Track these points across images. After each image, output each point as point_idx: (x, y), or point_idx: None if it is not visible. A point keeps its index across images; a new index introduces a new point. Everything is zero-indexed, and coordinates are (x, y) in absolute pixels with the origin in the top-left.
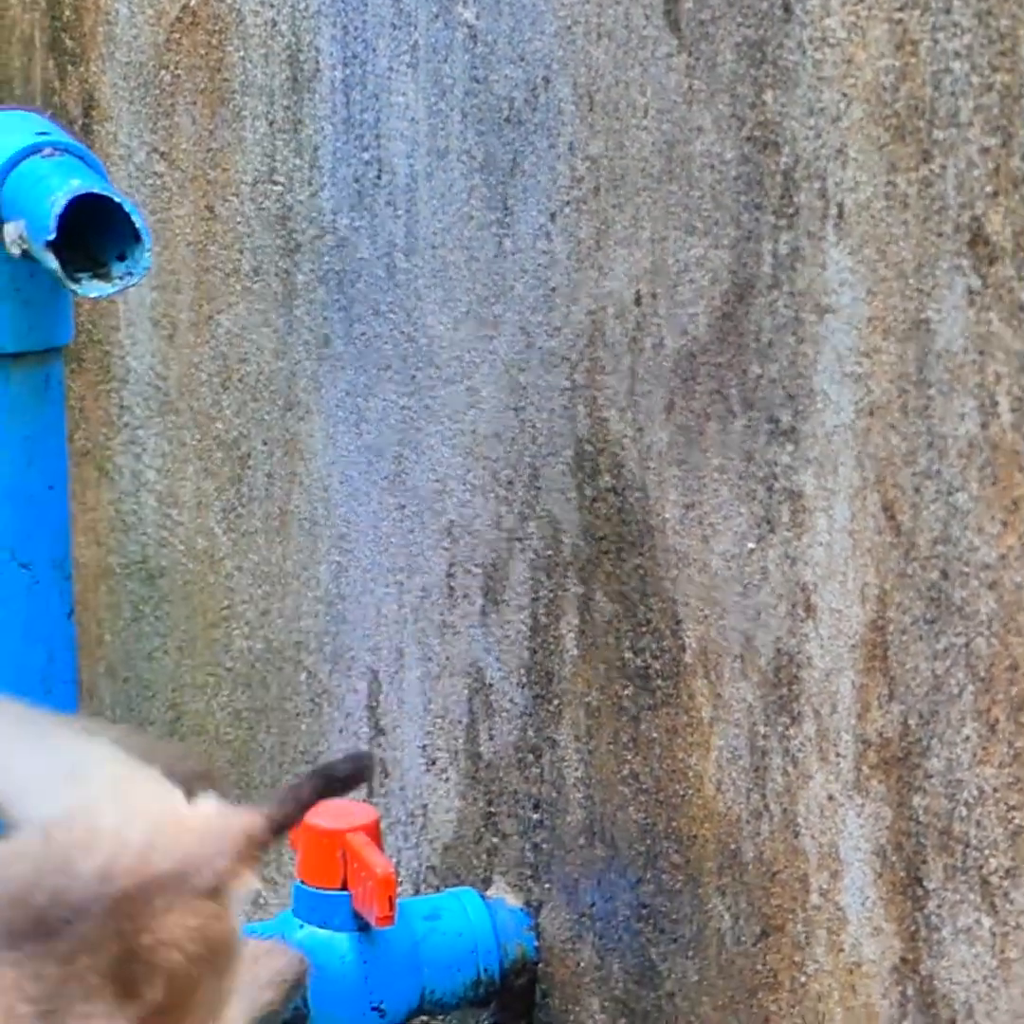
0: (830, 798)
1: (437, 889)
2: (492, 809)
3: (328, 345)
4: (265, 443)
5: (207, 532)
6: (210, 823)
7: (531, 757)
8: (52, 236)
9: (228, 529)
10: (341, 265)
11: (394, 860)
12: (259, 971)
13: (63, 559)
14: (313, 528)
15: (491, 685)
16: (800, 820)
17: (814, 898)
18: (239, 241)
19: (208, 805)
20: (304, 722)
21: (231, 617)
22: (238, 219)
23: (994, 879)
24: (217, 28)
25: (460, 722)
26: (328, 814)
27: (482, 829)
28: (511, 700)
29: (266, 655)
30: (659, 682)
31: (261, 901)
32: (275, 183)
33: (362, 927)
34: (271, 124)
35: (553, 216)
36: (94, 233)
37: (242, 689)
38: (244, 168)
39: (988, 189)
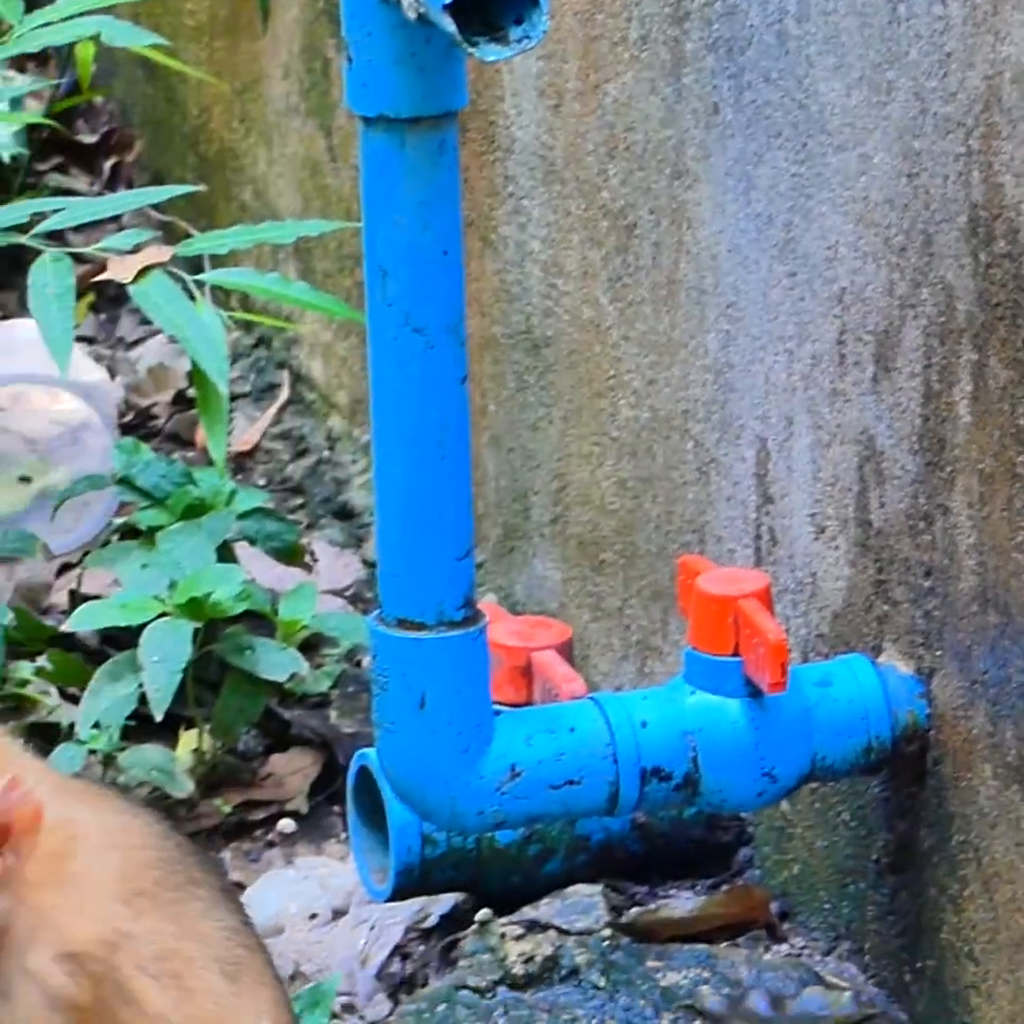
0: None
1: (826, 657)
2: (882, 577)
3: (717, 113)
4: (652, 212)
5: (593, 301)
6: None
7: (922, 524)
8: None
9: (614, 298)
10: (730, 32)
11: (783, 628)
12: None
13: (457, 324)
14: (701, 297)
15: (882, 452)
16: None
17: None
18: (627, 9)
19: None
20: (691, 491)
21: (617, 386)
22: None
23: None
24: None
25: (850, 490)
26: (719, 580)
27: (872, 597)
28: (902, 467)
29: (653, 424)
30: None
31: (647, 670)
32: None
33: (753, 693)
34: None
35: None
36: None
37: (628, 458)
38: None
39: None
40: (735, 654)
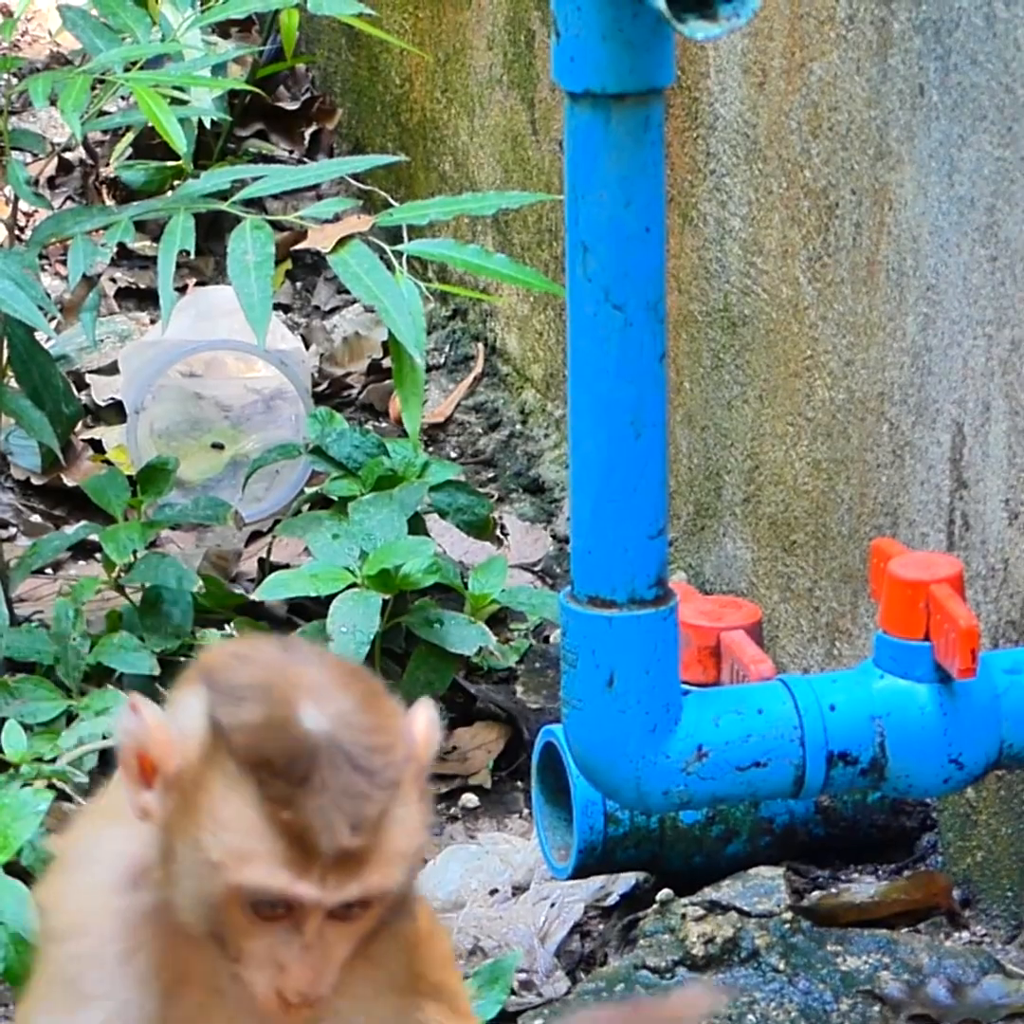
0: None
1: (1016, 643)
2: None
3: (922, 94)
4: (854, 192)
5: (791, 281)
6: None
7: None
8: None
9: (813, 278)
10: (938, 14)
11: (974, 614)
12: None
13: (657, 301)
14: (900, 279)
15: None
16: None
17: None
18: None
19: None
20: (885, 474)
21: (814, 367)
22: None
23: None
24: None
25: None
26: (912, 564)
27: None
28: None
29: (848, 406)
30: None
31: (836, 652)
32: None
33: (943, 679)
34: None
35: None
36: None
37: (822, 439)
38: None
39: None
40: (926, 639)
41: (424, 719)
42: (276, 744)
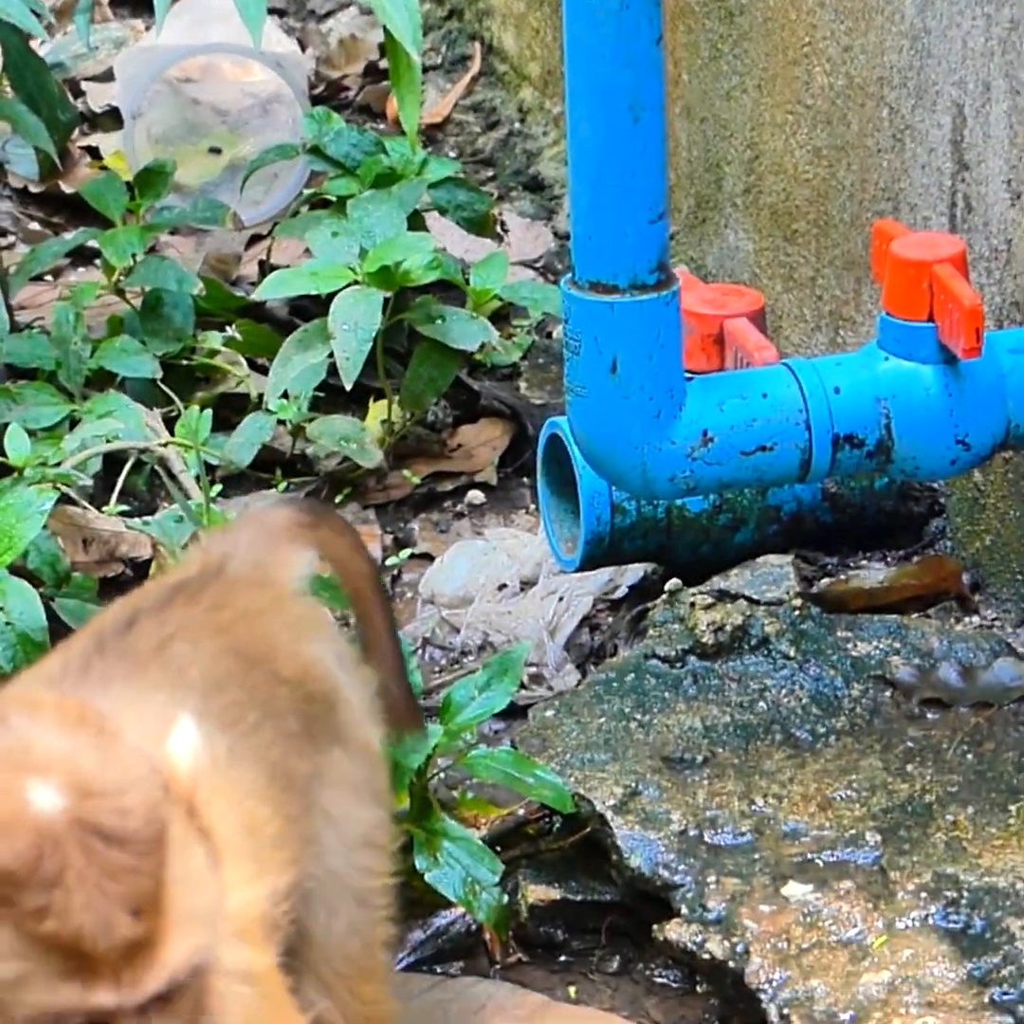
0: None
1: (1020, 324)
2: None
3: None
4: None
5: None
6: None
7: None
8: None
9: None
10: None
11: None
12: None
13: None
14: None
15: None
16: None
17: None
18: None
19: None
20: (885, 159)
21: (812, 54)
22: None
23: None
24: None
25: None
26: (914, 244)
27: None
28: None
29: (847, 91)
30: None
31: (840, 340)
32: None
33: (948, 359)
34: None
35: None
36: None
37: (822, 126)
38: None
39: None
40: (930, 320)
41: (183, 743)
42: (11, 850)
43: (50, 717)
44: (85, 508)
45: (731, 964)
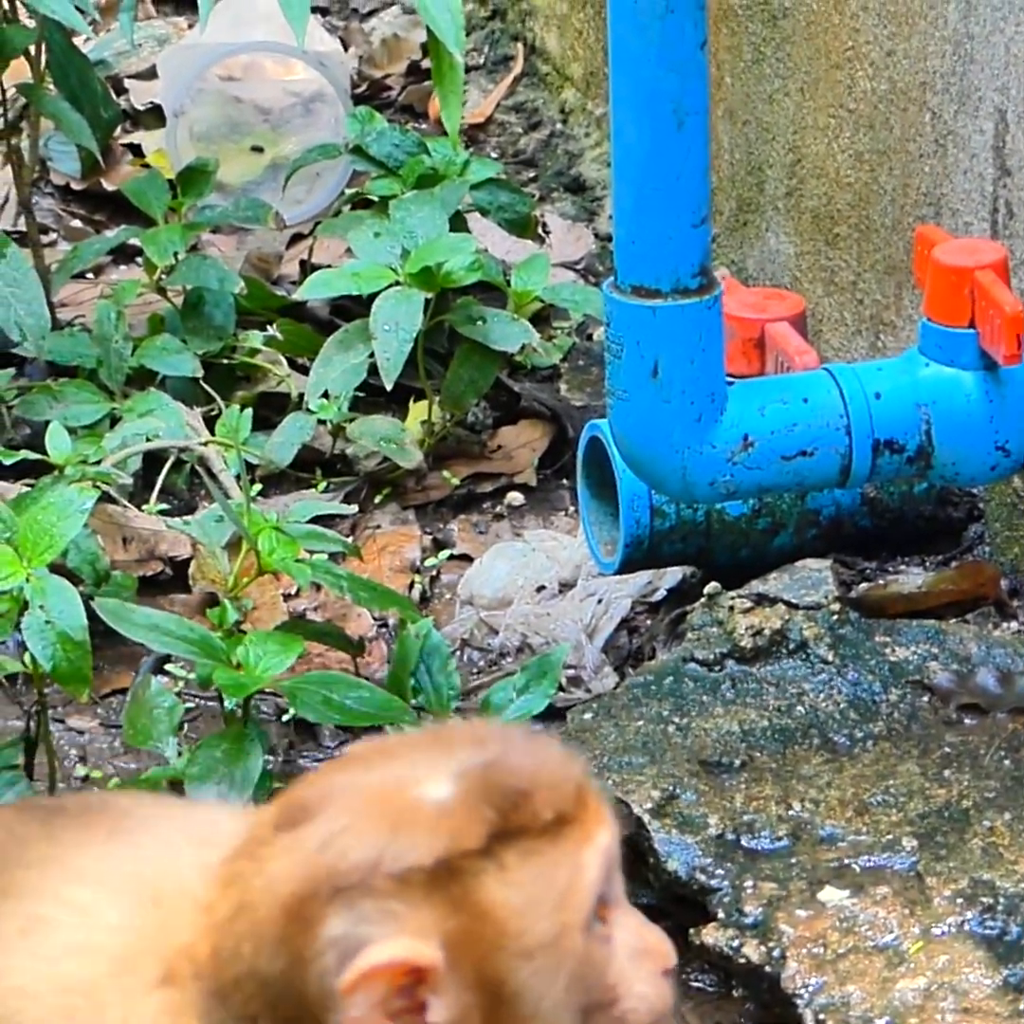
0: None
1: None
2: None
3: None
4: None
5: None
6: None
7: None
8: None
9: None
10: None
11: (1020, 301)
12: None
13: None
14: None
15: None
16: None
17: None
18: None
19: None
20: (927, 164)
21: (855, 58)
22: None
23: None
24: None
25: None
26: (956, 250)
27: None
28: None
29: (890, 96)
30: None
31: (880, 345)
32: None
33: (988, 366)
34: None
35: None
36: None
37: (864, 131)
38: None
39: None
40: (971, 326)
41: None
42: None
43: None
44: (125, 507)
45: (767, 969)
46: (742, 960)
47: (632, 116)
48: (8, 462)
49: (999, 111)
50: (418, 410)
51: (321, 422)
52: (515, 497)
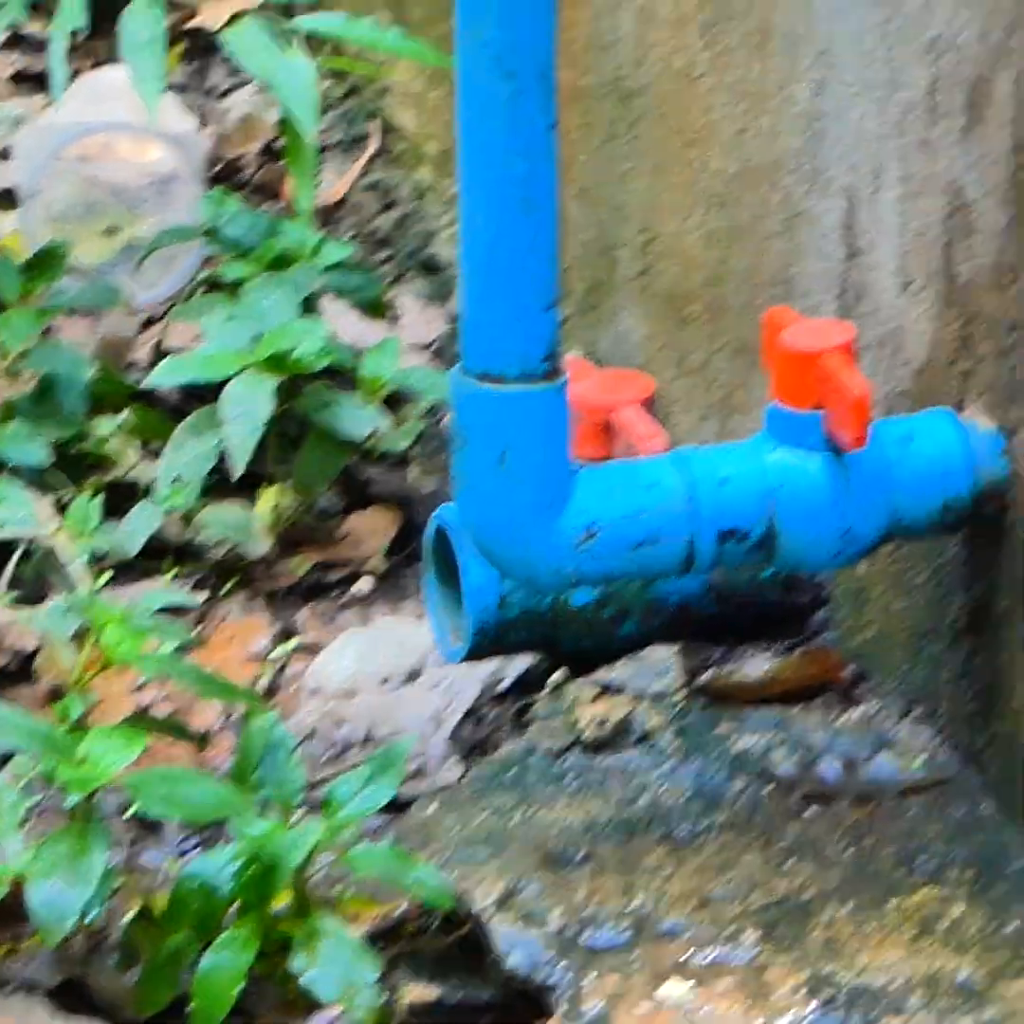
0: None
1: (909, 413)
2: (967, 332)
3: None
4: None
5: (685, 49)
6: None
7: (1009, 278)
8: None
9: (706, 46)
10: None
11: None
12: None
13: (548, 70)
14: (794, 44)
15: (970, 204)
16: None
17: None
18: None
19: None
20: (777, 243)
21: (707, 137)
22: None
23: None
24: None
25: (937, 242)
26: (803, 332)
27: (956, 352)
28: (990, 219)
29: (741, 175)
30: None
31: (731, 426)
32: None
33: (835, 450)
34: None
35: None
36: None
37: (716, 210)
38: None
39: None
40: (818, 408)
41: None
42: None
43: None
44: None
45: None
46: None
47: (480, 200)
48: None
49: (848, 190)
50: (268, 496)
51: (169, 511)
52: (363, 584)
